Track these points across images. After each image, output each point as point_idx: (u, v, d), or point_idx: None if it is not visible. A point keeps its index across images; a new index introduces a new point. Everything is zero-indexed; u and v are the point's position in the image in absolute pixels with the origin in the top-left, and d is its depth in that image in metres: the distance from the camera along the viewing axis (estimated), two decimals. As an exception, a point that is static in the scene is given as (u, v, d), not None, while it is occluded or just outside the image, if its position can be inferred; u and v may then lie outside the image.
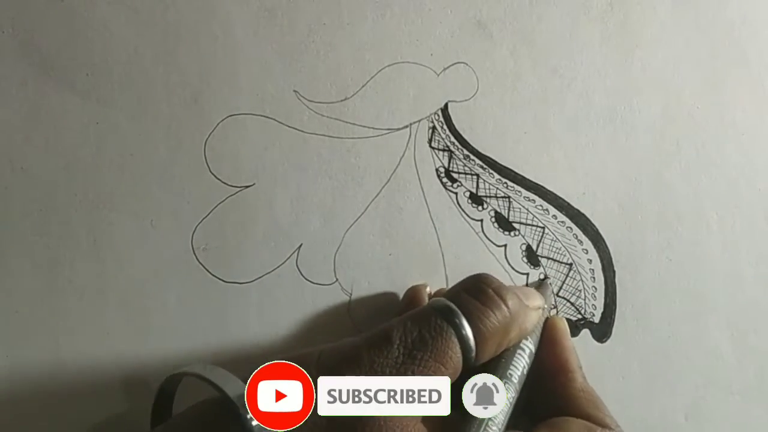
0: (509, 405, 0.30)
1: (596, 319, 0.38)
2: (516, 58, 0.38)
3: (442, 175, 0.37)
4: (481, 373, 0.29)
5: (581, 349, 0.37)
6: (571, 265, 0.38)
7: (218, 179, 0.34)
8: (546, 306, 0.34)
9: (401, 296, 0.36)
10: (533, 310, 0.32)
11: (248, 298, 0.34)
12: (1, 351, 0.32)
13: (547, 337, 0.33)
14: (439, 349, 0.27)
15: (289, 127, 0.35)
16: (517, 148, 0.38)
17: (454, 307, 0.28)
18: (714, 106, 0.40)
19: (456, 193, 0.37)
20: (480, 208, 0.37)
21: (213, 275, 0.34)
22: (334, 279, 0.35)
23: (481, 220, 0.37)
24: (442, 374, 0.27)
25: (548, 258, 0.38)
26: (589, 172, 0.38)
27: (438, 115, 0.37)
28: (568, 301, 0.38)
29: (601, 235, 0.38)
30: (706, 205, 0.39)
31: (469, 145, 0.37)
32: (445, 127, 0.37)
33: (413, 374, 0.27)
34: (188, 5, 0.34)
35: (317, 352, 0.28)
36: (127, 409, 0.33)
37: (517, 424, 0.30)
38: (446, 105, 0.37)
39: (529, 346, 0.32)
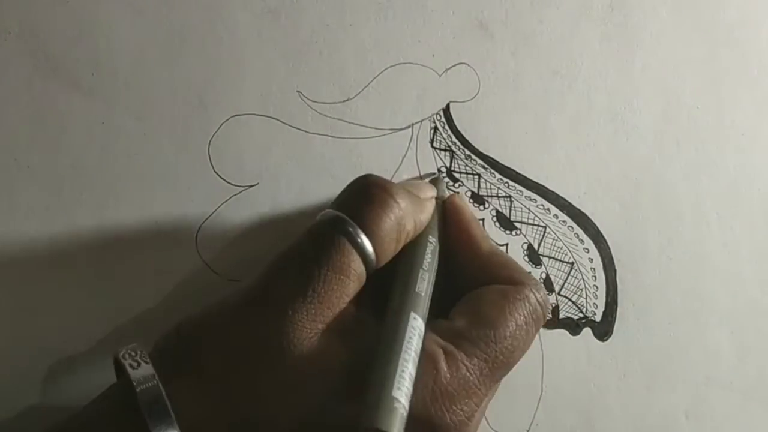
0: (426, 296, 0.29)
1: (598, 318, 0.38)
2: (517, 59, 0.38)
3: (445, 174, 0.37)
4: (389, 270, 0.29)
5: (583, 347, 0.38)
6: (572, 264, 0.38)
7: (222, 179, 0.35)
8: (439, 197, 0.34)
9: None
10: (426, 201, 0.32)
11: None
12: (6, 347, 0.32)
13: (448, 217, 0.33)
14: (335, 261, 0.27)
15: (292, 127, 0.35)
16: (518, 148, 0.38)
17: (343, 215, 0.28)
18: (714, 107, 0.40)
19: (457, 193, 0.37)
20: (481, 207, 0.37)
21: (217, 274, 0.34)
22: (337, 278, 0.36)
23: (483, 220, 0.37)
24: (345, 285, 0.27)
25: (549, 257, 0.38)
26: (590, 172, 0.38)
27: (440, 116, 0.37)
28: (570, 299, 0.38)
29: (602, 234, 0.38)
30: (706, 205, 0.40)
31: (471, 145, 0.37)
32: (446, 127, 0.37)
33: (314, 292, 0.26)
34: (193, 6, 0.34)
35: (222, 300, 0.28)
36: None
37: (438, 310, 0.30)
38: (448, 105, 0.37)
39: (431, 234, 0.31)
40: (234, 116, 0.35)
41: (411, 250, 0.31)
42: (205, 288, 0.34)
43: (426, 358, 0.27)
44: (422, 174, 0.37)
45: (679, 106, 0.40)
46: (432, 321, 0.30)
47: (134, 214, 0.34)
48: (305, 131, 0.36)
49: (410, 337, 0.27)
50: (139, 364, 0.26)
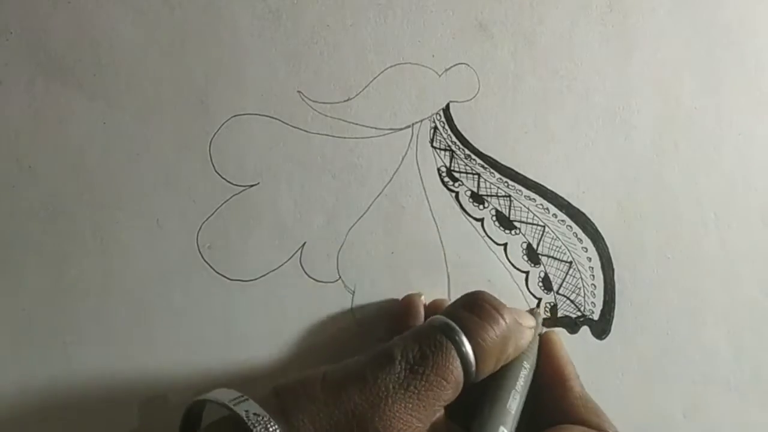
0: (515, 415, 0.30)
1: (596, 317, 0.38)
2: (517, 59, 0.38)
3: (444, 174, 0.37)
4: (481, 388, 0.31)
5: (581, 346, 0.38)
6: (571, 263, 0.38)
7: (223, 178, 0.35)
8: (537, 328, 0.35)
9: (405, 294, 0.36)
10: (527, 328, 0.33)
11: (252, 296, 0.35)
12: (7, 349, 0.33)
13: (544, 352, 0.34)
14: (439, 365, 0.28)
15: (293, 127, 0.36)
16: (517, 148, 0.38)
17: (453, 324, 0.29)
18: (712, 107, 0.40)
19: (457, 192, 0.37)
20: (481, 207, 0.38)
21: (218, 273, 0.35)
22: (337, 277, 0.36)
23: (482, 219, 0.37)
24: (444, 388, 0.28)
25: (548, 256, 0.38)
26: (589, 172, 0.39)
27: (440, 116, 0.37)
28: (568, 298, 0.38)
29: (600, 234, 0.38)
30: (703, 204, 0.40)
31: (471, 144, 0.38)
32: (446, 127, 0.37)
33: (415, 389, 0.28)
34: (194, 7, 0.34)
35: (321, 373, 0.29)
36: (134, 400, 0.33)
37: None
38: (448, 105, 0.37)
39: (526, 360, 0.33)
40: (235, 116, 0.35)
41: (506, 371, 0.32)
42: (206, 288, 0.34)
43: None
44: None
45: (677, 106, 0.40)
46: None
47: (135, 214, 0.34)
48: (306, 131, 0.36)
49: None
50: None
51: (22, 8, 0.33)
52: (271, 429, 0.26)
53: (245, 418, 0.26)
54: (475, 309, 0.30)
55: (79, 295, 0.33)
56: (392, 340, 0.30)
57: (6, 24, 0.33)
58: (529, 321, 0.33)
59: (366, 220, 0.36)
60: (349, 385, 0.28)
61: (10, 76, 0.33)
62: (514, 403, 0.31)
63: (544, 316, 0.38)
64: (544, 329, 0.36)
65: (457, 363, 0.29)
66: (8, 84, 0.33)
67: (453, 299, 0.33)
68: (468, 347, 0.29)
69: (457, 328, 0.29)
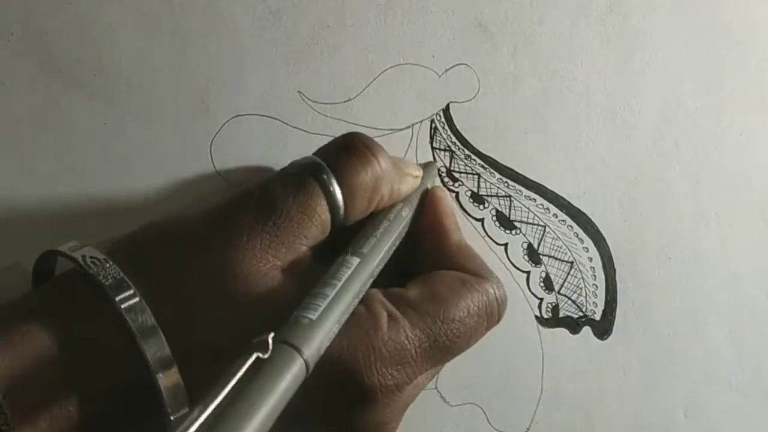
0: (379, 263, 0.29)
1: (597, 317, 0.38)
2: (517, 60, 0.38)
3: (444, 174, 0.37)
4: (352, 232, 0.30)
5: (582, 346, 0.38)
6: (572, 263, 0.38)
7: (224, 178, 0.35)
8: (425, 178, 0.34)
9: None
10: (408, 175, 0.32)
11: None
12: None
13: (427, 204, 0.33)
14: (301, 201, 0.27)
15: (293, 127, 0.36)
16: (518, 148, 0.38)
17: (320, 161, 0.28)
18: (712, 107, 0.40)
19: (457, 193, 0.37)
20: (481, 207, 0.38)
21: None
22: (338, 277, 0.36)
23: (483, 219, 0.38)
24: (306, 226, 0.27)
25: (549, 256, 0.38)
26: (590, 172, 0.39)
27: (440, 116, 0.37)
28: (569, 298, 0.38)
29: (601, 234, 0.38)
30: (704, 204, 0.40)
31: (471, 145, 0.38)
32: (446, 127, 0.37)
33: (274, 224, 0.27)
34: (195, 7, 0.35)
35: (173, 216, 0.29)
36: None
37: (392, 282, 0.30)
38: (448, 105, 0.37)
39: (405, 208, 0.32)
40: (235, 116, 0.35)
41: (380, 214, 0.31)
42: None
43: (368, 315, 0.27)
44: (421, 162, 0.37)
45: (678, 106, 0.40)
46: (385, 288, 0.29)
47: (137, 214, 0.34)
48: (306, 131, 0.36)
49: (347, 282, 0.27)
50: (97, 266, 0.26)
51: (24, 9, 0.33)
52: (109, 269, 0.25)
53: (81, 263, 0.25)
54: (349, 149, 0.29)
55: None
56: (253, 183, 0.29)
57: (7, 25, 0.33)
58: (414, 170, 0.33)
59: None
60: (203, 226, 0.27)
61: (11, 76, 0.33)
62: (380, 243, 0.29)
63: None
64: (437, 185, 0.35)
65: (323, 201, 0.28)
66: (9, 84, 0.33)
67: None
68: (336, 187, 0.28)
69: (325, 166, 0.28)
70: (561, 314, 0.38)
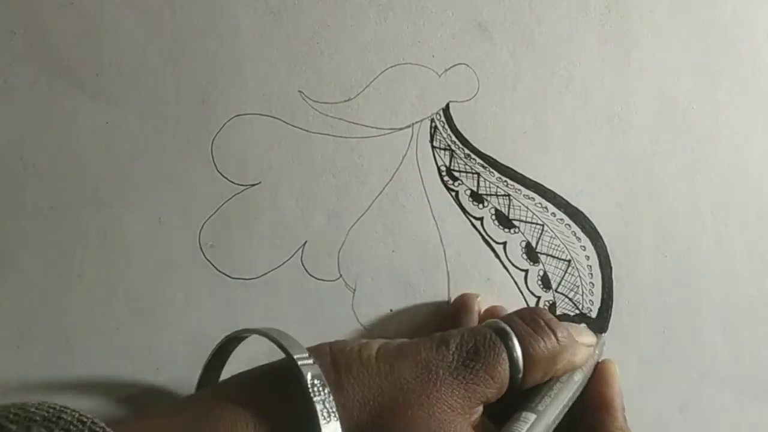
0: (553, 422, 0.31)
1: (593, 314, 0.39)
2: (516, 60, 0.38)
3: (444, 173, 0.38)
4: (526, 396, 0.31)
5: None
6: (569, 261, 0.39)
7: (225, 178, 0.35)
8: (597, 349, 0.35)
9: (405, 292, 0.37)
10: (583, 345, 0.34)
11: (254, 294, 0.35)
12: (11, 345, 0.33)
13: (597, 377, 0.35)
14: (490, 363, 0.30)
15: (294, 126, 0.36)
16: (516, 148, 0.38)
17: (508, 328, 0.31)
18: (709, 107, 0.41)
19: (457, 192, 0.38)
20: (481, 206, 0.38)
21: (220, 271, 0.35)
22: (338, 275, 0.36)
23: (482, 218, 0.38)
24: (489, 386, 0.29)
25: (547, 254, 0.38)
26: (587, 171, 0.39)
27: (439, 115, 0.38)
28: (567, 296, 0.38)
29: (598, 233, 0.39)
30: (700, 203, 0.40)
31: (470, 144, 0.38)
32: (446, 126, 0.38)
33: (464, 379, 0.29)
34: (196, 8, 0.35)
35: (377, 343, 0.30)
36: (137, 397, 0.34)
37: None
38: (448, 105, 0.38)
39: (576, 377, 0.33)
40: (236, 116, 0.35)
41: (555, 382, 0.32)
42: (207, 286, 0.35)
43: None
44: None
45: (675, 105, 0.40)
46: None
47: (138, 213, 0.34)
48: (307, 131, 0.36)
49: None
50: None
51: (27, 9, 0.33)
52: (328, 403, 0.26)
53: (309, 385, 0.26)
54: (530, 321, 0.32)
55: (81, 293, 0.34)
56: (449, 330, 0.31)
57: (10, 25, 0.33)
58: (587, 338, 0.34)
59: (367, 219, 0.37)
60: (402, 361, 0.29)
61: (14, 76, 0.33)
62: (550, 411, 0.31)
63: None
64: (602, 354, 0.36)
65: (506, 365, 0.30)
66: (12, 84, 0.33)
67: (452, 297, 0.33)
68: (519, 352, 0.30)
69: (511, 332, 0.31)
70: (558, 312, 0.38)
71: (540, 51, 0.39)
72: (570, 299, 0.39)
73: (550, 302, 0.38)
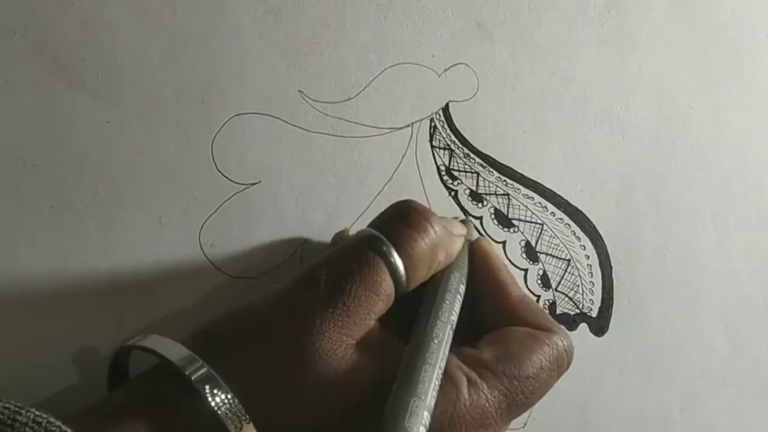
0: (452, 320, 0.30)
1: (594, 314, 0.39)
2: (515, 60, 0.39)
3: (443, 173, 0.38)
4: (414, 296, 0.30)
5: (579, 343, 0.38)
6: (569, 261, 0.39)
7: (225, 177, 0.35)
8: (468, 236, 0.34)
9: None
10: (457, 236, 0.32)
11: (254, 293, 0.35)
12: (11, 346, 0.33)
13: (477, 260, 0.34)
14: (368, 279, 0.27)
15: (294, 126, 0.36)
16: (516, 147, 0.38)
17: (379, 235, 0.28)
18: (708, 106, 0.41)
19: (456, 191, 0.38)
20: (480, 205, 0.38)
21: (220, 270, 0.35)
22: (338, 274, 0.36)
23: (481, 217, 0.38)
24: (374, 302, 0.28)
25: (547, 254, 0.38)
26: (587, 171, 0.39)
27: (439, 115, 0.38)
28: (567, 295, 0.38)
29: (598, 232, 0.39)
30: (700, 203, 0.40)
31: (470, 143, 0.38)
32: (446, 126, 0.38)
33: (344, 305, 0.27)
34: (196, 7, 0.35)
35: (248, 306, 0.29)
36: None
37: (461, 343, 0.30)
38: (447, 105, 0.38)
39: (457, 269, 0.32)
40: (237, 115, 0.35)
41: (439, 279, 0.31)
42: (208, 285, 0.35)
43: (448, 382, 0.27)
44: (454, 217, 0.37)
45: (675, 105, 0.40)
46: (457, 348, 0.30)
47: (138, 212, 0.34)
48: (307, 130, 0.36)
49: (432, 362, 0.27)
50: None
51: (27, 9, 0.33)
52: (198, 368, 0.25)
53: (178, 365, 0.25)
54: (404, 218, 0.29)
55: (82, 293, 0.34)
56: (317, 260, 0.29)
57: (11, 24, 0.33)
58: (459, 228, 0.33)
59: (366, 218, 0.37)
60: (275, 315, 0.27)
61: (14, 75, 0.33)
62: (448, 311, 0.30)
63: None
64: (475, 236, 0.36)
65: (387, 276, 0.28)
66: (13, 83, 0.33)
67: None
68: (397, 258, 0.28)
69: (385, 239, 0.28)
70: (558, 311, 0.38)
71: (539, 51, 0.39)
72: (570, 298, 0.39)
73: (551, 301, 0.38)
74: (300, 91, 0.36)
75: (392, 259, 0.28)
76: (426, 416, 0.26)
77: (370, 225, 0.30)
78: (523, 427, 0.38)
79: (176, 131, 0.35)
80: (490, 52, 0.38)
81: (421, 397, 0.26)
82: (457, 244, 0.32)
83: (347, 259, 0.28)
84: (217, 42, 0.35)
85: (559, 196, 0.39)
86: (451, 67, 0.38)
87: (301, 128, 0.36)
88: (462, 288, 0.32)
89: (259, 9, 0.36)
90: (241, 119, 0.35)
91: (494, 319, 0.32)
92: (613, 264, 0.39)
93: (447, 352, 0.29)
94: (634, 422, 0.36)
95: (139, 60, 0.34)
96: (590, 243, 0.39)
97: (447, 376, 0.28)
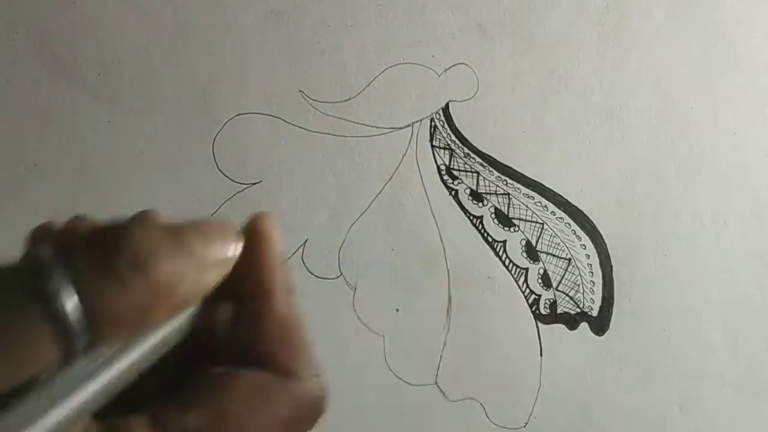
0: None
1: (594, 313, 0.39)
2: (515, 60, 0.39)
3: (444, 172, 0.38)
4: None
5: (580, 342, 0.38)
6: (569, 260, 0.39)
7: (226, 176, 0.35)
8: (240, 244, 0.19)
9: (405, 290, 0.37)
10: (213, 265, 0.17)
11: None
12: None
13: (247, 247, 0.19)
14: (11, 341, 0.14)
15: (294, 126, 0.36)
16: (516, 147, 0.38)
17: (56, 263, 0.15)
18: (707, 106, 0.41)
19: (457, 190, 0.38)
20: (480, 204, 0.38)
21: (221, 270, 0.35)
22: (339, 273, 0.36)
23: (482, 216, 0.38)
24: (11, 373, 0.15)
25: (547, 253, 0.38)
26: (587, 170, 0.39)
27: (439, 115, 0.38)
28: (567, 295, 0.39)
29: (598, 231, 0.39)
30: (699, 202, 0.40)
31: (470, 143, 0.38)
32: (446, 126, 0.38)
33: None
34: (197, 8, 0.35)
35: None
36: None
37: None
38: (447, 105, 0.38)
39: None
40: (238, 115, 0.35)
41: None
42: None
43: None
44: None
45: (674, 105, 0.40)
46: (158, 403, 0.16)
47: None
48: (307, 130, 0.36)
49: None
50: None
51: (29, 9, 0.33)
52: None
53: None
54: (108, 248, 0.15)
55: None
56: None
57: (13, 24, 0.33)
58: (225, 247, 0.17)
59: (367, 218, 0.37)
60: None
61: (16, 75, 0.33)
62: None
63: None
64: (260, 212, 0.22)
65: (44, 334, 0.14)
66: (14, 83, 0.33)
67: (452, 295, 0.33)
68: (72, 307, 0.14)
69: (62, 271, 0.14)
70: (559, 310, 0.38)
71: (539, 51, 0.39)
72: (571, 297, 0.39)
73: (551, 300, 0.38)
74: (301, 91, 0.36)
75: (60, 309, 0.13)
76: None
77: (57, 238, 0.18)
78: (525, 425, 0.38)
79: (177, 131, 0.35)
80: (490, 52, 0.38)
81: None
82: (207, 279, 0.17)
83: None
84: (218, 42, 0.35)
85: (560, 195, 0.39)
86: (451, 67, 0.38)
87: (302, 128, 0.36)
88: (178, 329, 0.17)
89: (260, 9, 0.36)
90: (242, 119, 0.36)
91: (236, 348, 0.19)
92: (613, 263, 0.39)
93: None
94: (633, 420, 0.36)
95: (141, 60, 0.35)
96: (590, 242, 0.39)
97: None
